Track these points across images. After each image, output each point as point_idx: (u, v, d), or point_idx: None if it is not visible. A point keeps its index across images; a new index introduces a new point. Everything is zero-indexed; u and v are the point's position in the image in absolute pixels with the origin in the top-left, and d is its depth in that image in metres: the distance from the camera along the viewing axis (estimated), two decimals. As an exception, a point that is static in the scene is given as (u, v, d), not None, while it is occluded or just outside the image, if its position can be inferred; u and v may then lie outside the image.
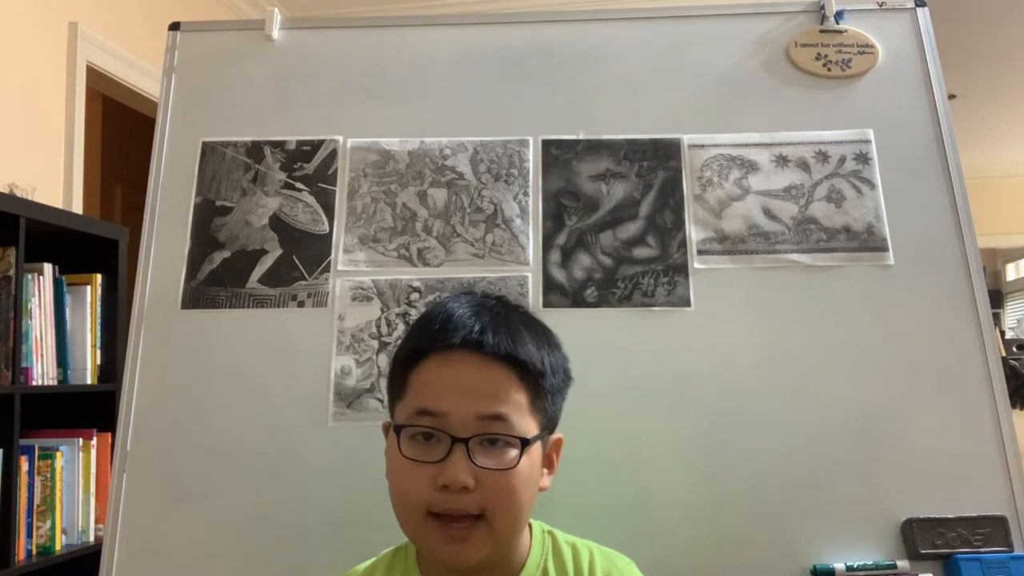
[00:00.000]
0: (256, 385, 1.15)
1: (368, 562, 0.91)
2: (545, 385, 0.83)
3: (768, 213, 1.19)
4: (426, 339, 0.83)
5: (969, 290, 1.14)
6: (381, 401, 1.13)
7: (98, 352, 2.12)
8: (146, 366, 1.17)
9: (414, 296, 1.17)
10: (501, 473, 0.78)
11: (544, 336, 0.87)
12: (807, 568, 1.04)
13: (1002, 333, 6.49)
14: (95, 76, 2.66)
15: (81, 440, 2.01)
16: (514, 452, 0.79)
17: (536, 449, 0.82)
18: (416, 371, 0.83)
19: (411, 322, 1.14)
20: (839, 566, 1.03)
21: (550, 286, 1.17)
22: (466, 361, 0.81)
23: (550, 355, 0.86)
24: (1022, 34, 4.07)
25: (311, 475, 1.11)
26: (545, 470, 0.86)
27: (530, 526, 0.89)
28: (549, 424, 0.85)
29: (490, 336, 0.81)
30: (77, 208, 2.49)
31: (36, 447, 1.90)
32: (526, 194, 1.21)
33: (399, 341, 1.12)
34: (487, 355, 0.81)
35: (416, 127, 1.25)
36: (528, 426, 0.81)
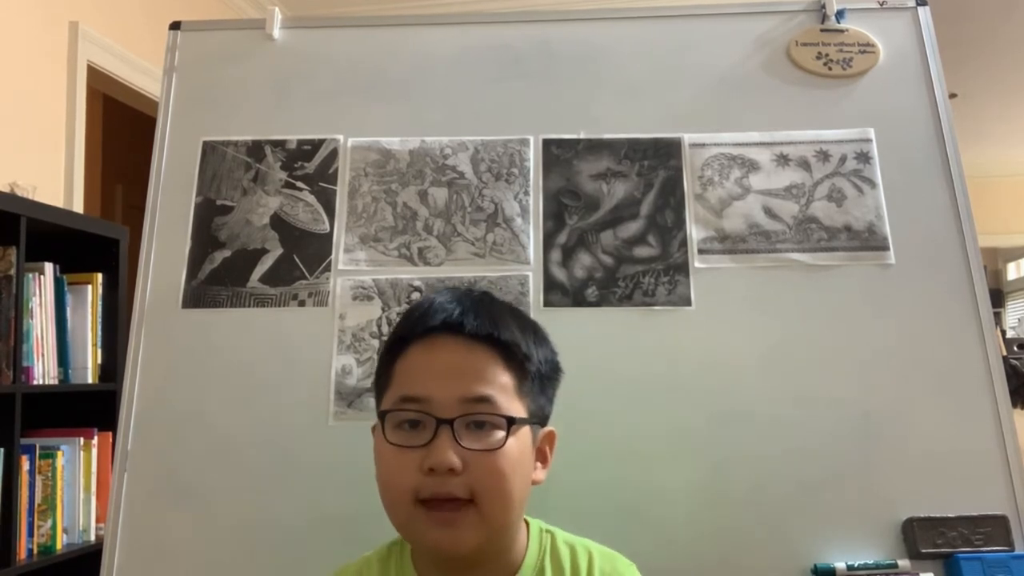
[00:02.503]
0: (257, 384, 1.15)
1: (362, 557, 0.90)
2: (531, 369, 0.82)
3: (769, 212, 1.19)
4: (408, 327, 0.83)
5: (970, 289, 1.14)
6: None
7: (99, 351, 2.12)
8: (147, 365, 1.17)
9: (415, 295, 1.17)
10: (488, 454, 0.77)
11: (530, 326, 0.87)
12: (808, 567, 1.04)
13: (1003, 332, 6.49)
14: (96, 75, 2.66)
15: (82, 439, 2.01)
16: (501, 433, 0.78)
17: (525, 433, 0.81)
18: (400, 360, 0.82)
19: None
20: (840, 565, 1.03)
21: (551, 285, 1.17)
22: (448, 344, 0.80)
23: (536, 345, 0.85)
24: (1023, 33, 4.07)
25: (312, 474, 1.11)
26: (538, 464, 0.85)
27: (528, 524, 0.87)
28: (539, 413, 0.85)
29: (471, 317, 0.81)
30: (78, 207, 2.49)
31: (37, 446, 1.90)
32: (527, 193, 1.21)
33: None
34: (469, 336, 0.80)
35: (417, 126, 1.25)
36: (515, 408, 0.80)
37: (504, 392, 0.80)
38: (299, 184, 1.24)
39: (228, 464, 1.12)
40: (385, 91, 1.27)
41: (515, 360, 0.81)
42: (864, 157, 1.21)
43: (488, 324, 0.81)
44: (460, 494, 0.76)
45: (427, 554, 0.83)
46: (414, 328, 0.82)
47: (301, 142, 1.26)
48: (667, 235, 1.19)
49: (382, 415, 0.81)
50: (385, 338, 1.15)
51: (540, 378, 0.84)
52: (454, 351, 0.80)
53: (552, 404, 0.88)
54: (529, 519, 0.88)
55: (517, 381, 0.81)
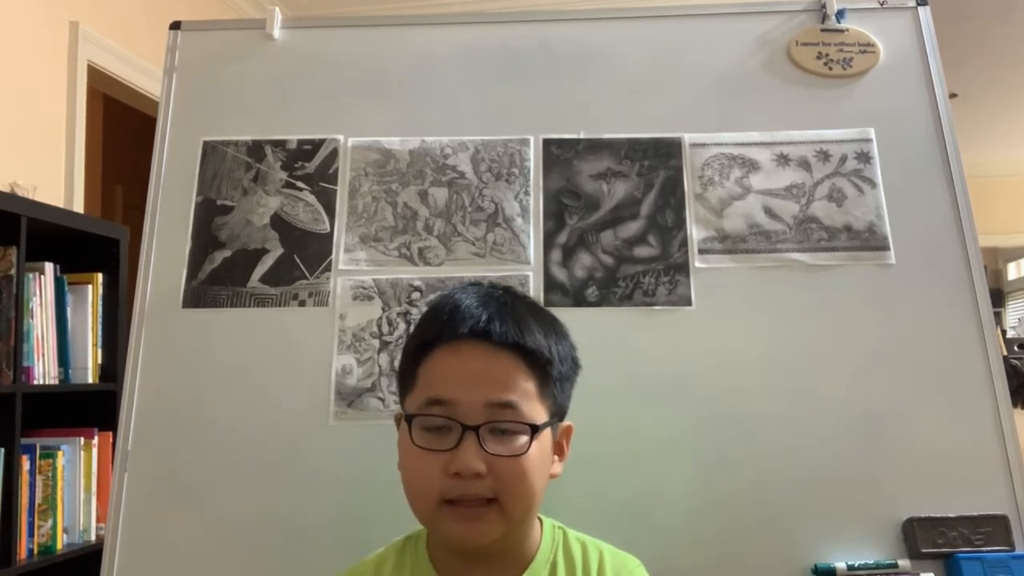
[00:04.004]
0: (257, 384, 1.15)
1: (378, 552, 0.92)
2: (553, 373, 0.84)
3: (769, 212, 1.19)
4: (434, 330, 0.84)
5: (970, 289, 1.14)
6: (382, 400, 1.13)
7: (99, 351, 2.12)
8: (147, 365, 1.17)
9: (415, 295, 1.17)
10: (512, 459, 0.79)
11: (551, 325, 0.88)
12: (808, 567, 1.04)
13: (1003, 332, 6.49)
14: (96, 75, 2.66)
15: (82, 439, 2.01)
16: (524, 438, 0.80)
17: (546, 436, 0.83)
18: (425, 362, 0.83)
19: (412, 321, 1.14)
20: (840, 565, 1.03)
21: (551, 285, 1.17)
22: (474, 350, 0.81)
23: (557, 343, 0.86)
24: (1023, 33, 4.07)
25: (312, 474, 1.11)
26: (556, 457, 0.87)
27: (540, 521, 0.89)
28: (559, 411, 0.86)
29: (497, 325, 0.82)
30: (78, 207, 2.49)
31: (37, 446, 1.90)
32: (527, 193, 1.21)
33: (401, 340, 1.13)
34: (495, 344, 0.81)
35: (417, 126, 1.25)
36: (537, 413, 0.82)
37: (527, 398, 0.81)
38: (299, 184, 1.24)
39: (228, 464, 1.12)
40: (385, 91, 1.27)
41: (538, 365, 0.83)
42: (864, 157, 1.21)
43: (514, 331, 0.82)
44: (485, 495, 0.79)
45: (445, 545, 0.85)
46: (441, 334, 0.83)
47: (301, 142, 1.26)
48: (667, 235, 1.19)
49: (408, 418, 0.82)
50: (386, 338, 1.15)
51: (561, 378, 0.86)
52: (480, 357, 0.81)
53: (570, 398, 0.89)
54: (542, 516, 0.90)
55: (540, 386, 0.83)
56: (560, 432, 0.88)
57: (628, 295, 1.16)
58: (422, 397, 0.82)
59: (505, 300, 0.86)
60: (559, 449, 0.88)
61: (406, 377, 0.86)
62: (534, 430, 0.80)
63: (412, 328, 1.06)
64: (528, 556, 0.86)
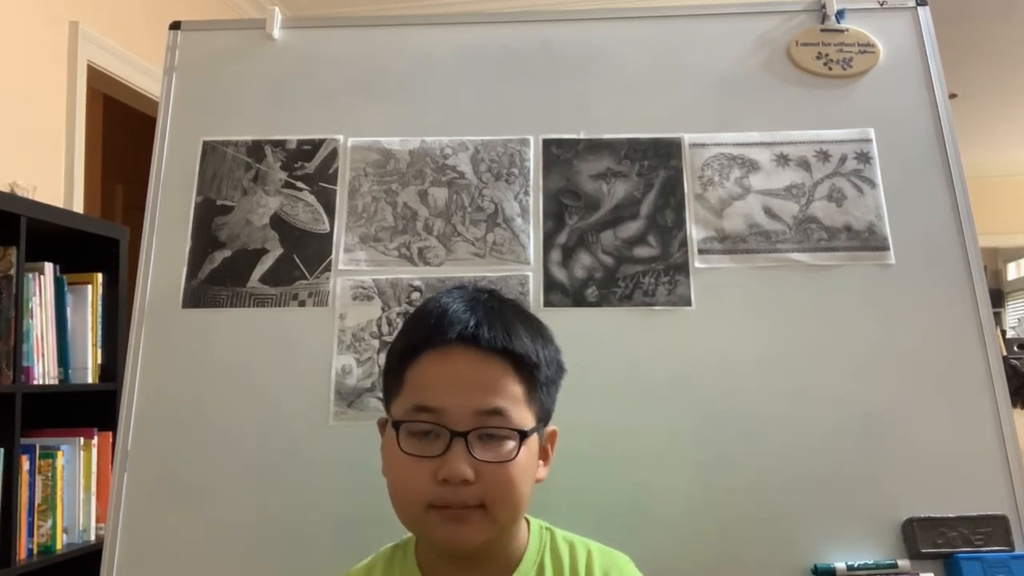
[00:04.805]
0: (257, 384, 1.15)
1: (367, 560, 0.92)
2: (540, 377, 0.84)
3: (769, 212, 1.19)
4: (422, 335, 0.84)
5: (970, 289, 1.14)
6: (382, 400, 1.12)
7: (99, 351, 2.12)
8: (147, 365, 1.17)
9: (415, 295, 1.17)
10: (500, 465, 0.79)
11: (537, 329, 0.88)
12: (808, 567, 1.04)
13: (1003, 332, 6.49)
14: (96, 75, 2.66)
15: (82, 439, 2.01)
16: (512, 444, 0.80)
17: (533, 441, 0.83)
18: (412, 367, 0.83)
19: (410, 320, 1.14)
20: (840, 565, 1.03)
21: (551, 285, 1.17)
22: (463, 356, 0.81)
23: (544, 348, 0.86)
24: (1023, 33, 4.07)
25: (312, 474, 1.11)
26: (541, 462, 0.87)
27: (528, 522, 0.89)
28: (545, 416, 0.86)
29: (486, 330, 0.81)
30: (78, 207, 2.49)
31: (37, 446, 1.90)
32: (527, 193, 1.21)
33: (397, 339, 1.13)
34: (483, 349, 0.81)
35: (417, 126, 1.25)
36: (525, 418, 0.82)
37: (515, 403, 0.81)
38: (299, 184, 1.24)
39: (228, 464, 1.12)
40: (385, 91, 1.27)
41: (526, 370, 0.83)
42: (864, 157, 1.21)
43: (502, 336, 0.82)
44: (472, 503, 0.79)
45: (433, 548, 0.85)
46: (428, 339, 0.83)
47: (301, 142, 1.26)
48: (667, 235, 1.19)
49: (396, 424, 0.82)
50: (386, 338, 1.15)
51: (547, 383, 0.86)
52: (468, 363, 0.81)
53: (555, 402, 0.89)
54: (529, 517, 0.89)
55: (527, 390, 0.83)
56: (545, 437, 0.88)
57: (628, 295, 1.16)
58: (409, 403, 0.81)
59: (492, 304, 0.86)
60: (544, 454, 0.88)
61: (392, 381, 0.86)
62: (522, 436, 0.80)
63: (397, 330, 1.06)
64: (515, 559, 0.86)
